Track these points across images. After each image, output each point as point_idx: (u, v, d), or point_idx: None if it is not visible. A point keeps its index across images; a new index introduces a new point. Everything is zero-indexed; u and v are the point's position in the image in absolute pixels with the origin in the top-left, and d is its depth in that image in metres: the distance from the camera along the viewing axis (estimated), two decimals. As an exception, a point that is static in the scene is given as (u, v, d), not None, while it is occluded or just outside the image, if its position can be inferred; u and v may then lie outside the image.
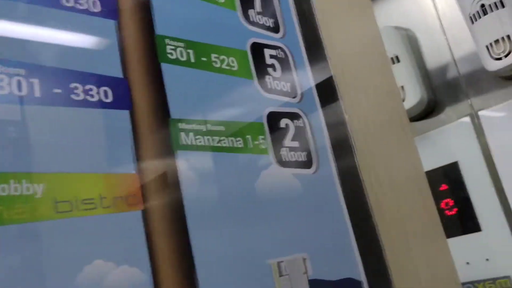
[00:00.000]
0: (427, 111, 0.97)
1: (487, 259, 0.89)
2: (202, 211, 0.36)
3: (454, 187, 0.94)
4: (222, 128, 0.39)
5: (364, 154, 0.57)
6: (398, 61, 0.95)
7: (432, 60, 0.98)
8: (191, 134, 0.37)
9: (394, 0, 1.03)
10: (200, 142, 0.37)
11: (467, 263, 0.92)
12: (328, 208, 0.46)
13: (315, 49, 0.55)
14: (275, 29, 0.50)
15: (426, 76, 0.98)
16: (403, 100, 0.94)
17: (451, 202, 0.95)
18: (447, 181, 0.96)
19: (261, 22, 0.49)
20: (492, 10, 0.80)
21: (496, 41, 0.80)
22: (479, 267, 0.90)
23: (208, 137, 0.38)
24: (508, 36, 0.79)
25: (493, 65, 0.82)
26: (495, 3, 0.80)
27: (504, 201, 0.87)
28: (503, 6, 0.80)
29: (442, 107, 0.96)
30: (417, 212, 0.66)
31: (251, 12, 0.48)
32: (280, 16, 0.51)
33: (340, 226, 0.46)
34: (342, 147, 0.52)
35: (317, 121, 0.50)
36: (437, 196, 0.97)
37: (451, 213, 0.95)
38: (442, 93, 0.96)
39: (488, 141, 0.89)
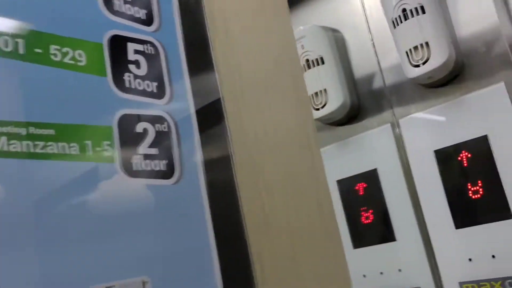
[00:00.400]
0: (350, 116, 0.95)
1: (399, 270, 0.87)
2: (6, 233, 0.31)
3: (372, 194, 0.92)
4: (51, 132, 0.34)
5: (252, 163, 0.53)
6: (323, 62, 0.92)
7: (358, 64, 0.96)
8: (3, 138, 0.32)
9: (326, 1, 1.00)
10: (15, 147, 0.32)
11: (381, 273, 0.90)
12: (188, 223, 0.42)
13: (198, 45, 0.50)
14: (147, 21, 0.45)
15: (351, 80, 0.95)
16: (325, 104, 0.91)
17: (369, 210, 0.93)
18: (366, 188, 0.93)
19: (128, 13, 0.44)
20: (413, 16, 0.78)
21: (416, 48, 0.78)
22: (392, 277, 0.89)
23: (29, 142, 0.33)
24: (427, 43, 0.77)
25: (412, 72, 0.79)
26: (416, 8, 0.77)
27: (418, 212, 0.86)
28: (423, 12, 0.78)
29: (365, 112, 0.93)
30: (313, 225, 0.63)
31: (116, 0, 0.43)
32: (156, 6, 0.46)
33: (200, 243, 0.42)
34: (220, 155, 0.47)
35: (188, 125, 0.45)
36: (356, 203, 0.95)
37: (368, 221, 0.93)
38: (366, 98, 0.94)
39: (406, 149, 0.87)
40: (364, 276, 0.93)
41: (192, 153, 0.44)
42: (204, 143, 0.46)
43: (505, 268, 0.77)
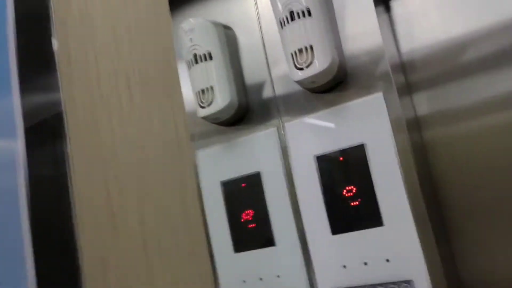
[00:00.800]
0: (238, 116, 0.91)
1: (278, 276, 0.85)
2: None
3: (256, 198, 0.89)
4: None
5: (100, 160, 0.47)
6: (211, 58, 0.87)
7: (249, 64, 0.92)
8: None
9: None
10: None
11: (260, 279, 0.87)
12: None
13: (36, 24, 0.43)
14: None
15: (241, 79, 0.92)
16: (211, 102, 0.86)
17: (251, 213, 0.89)
18: (250, 191, 0.90)
19: None
20: (299, 17, 0.75)
21: (300, 50, 0.76)
22: (271, 283, 0.86)
23: None
24: (311, 47, 0.75)
25: (296, 75, 0.77)
26: (302, 11, 0.75)
27: (298, 217, 0.84)
28: (309, 14, 0.76)
29: (253, 114, 0.90)
30: (174, 228, 0.58)
31: None
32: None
33: (10, 247, 0.35)
34: (51, 150, 0.41)
35: (10, 115, 0.38)
36: (239, 206, 0.92)
37: (250, 225, 0.89)
38: (254, 99, 0.91)
39: (290, 153, 0.85)
40: (244, 281, 0.89)
41: (11, 143, 0.37)
42: (31, 136, 0.39)
43: (375, 275, 0.77)
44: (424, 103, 0.82)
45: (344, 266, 0.79)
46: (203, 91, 0.89)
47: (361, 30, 0.80)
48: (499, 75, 0.76)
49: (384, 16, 0.84)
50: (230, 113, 0.90)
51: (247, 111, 0.93)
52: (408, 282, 0.73)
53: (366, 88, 0.80)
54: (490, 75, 0.77)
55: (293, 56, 0.79)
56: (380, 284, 0.76)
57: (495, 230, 0.75)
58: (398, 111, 0.76)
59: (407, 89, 0.83)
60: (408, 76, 0.84)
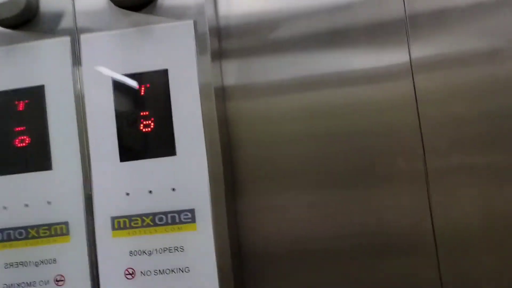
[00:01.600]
0: (23, 19, 0.76)
1: (49, 202, 0.75)
2: None
3: (34, 115, 0.77)
4: None
5: None
6: None
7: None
8: None
9: None
10: None
11: (26, 205, 0.75)
12: None
13: None
14: None
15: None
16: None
17: (26, 132, 0.76)
18: (28, 107, 0.77)
19: None
20: None
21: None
22: (39, 210, 0.76)
23: None
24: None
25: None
26: None
27: (83, 140, 0.75)
28: None
29: (42, 19, 0.77)
30: None
31: None
32: None
33: None
34: None
35: None
36: (12, 123, 0.77)
37: (22, 144, 0.76)
38: (46, 2, 0.77)
39: (83, 70, 0.75)
40: (5, 208, 0.76)
41: None
42: None
43: (158, 204, 0.75)
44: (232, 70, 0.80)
45: (127, 194, 0.74)
46: (-20, -24, 0.71)
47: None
48: (306, 57, 0.78)
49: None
50: (14, 12, 0.75)
51: (36, 14, 0.78)
52: (190, 211, 0.73)
53: (176, 15, 0.75)
54: (297, 56, 0.78)
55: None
56: (162, 213, 0.73)
57: (277, 193, 0.78)
58: (206, 43, 0.74)
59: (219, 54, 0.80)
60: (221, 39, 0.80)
